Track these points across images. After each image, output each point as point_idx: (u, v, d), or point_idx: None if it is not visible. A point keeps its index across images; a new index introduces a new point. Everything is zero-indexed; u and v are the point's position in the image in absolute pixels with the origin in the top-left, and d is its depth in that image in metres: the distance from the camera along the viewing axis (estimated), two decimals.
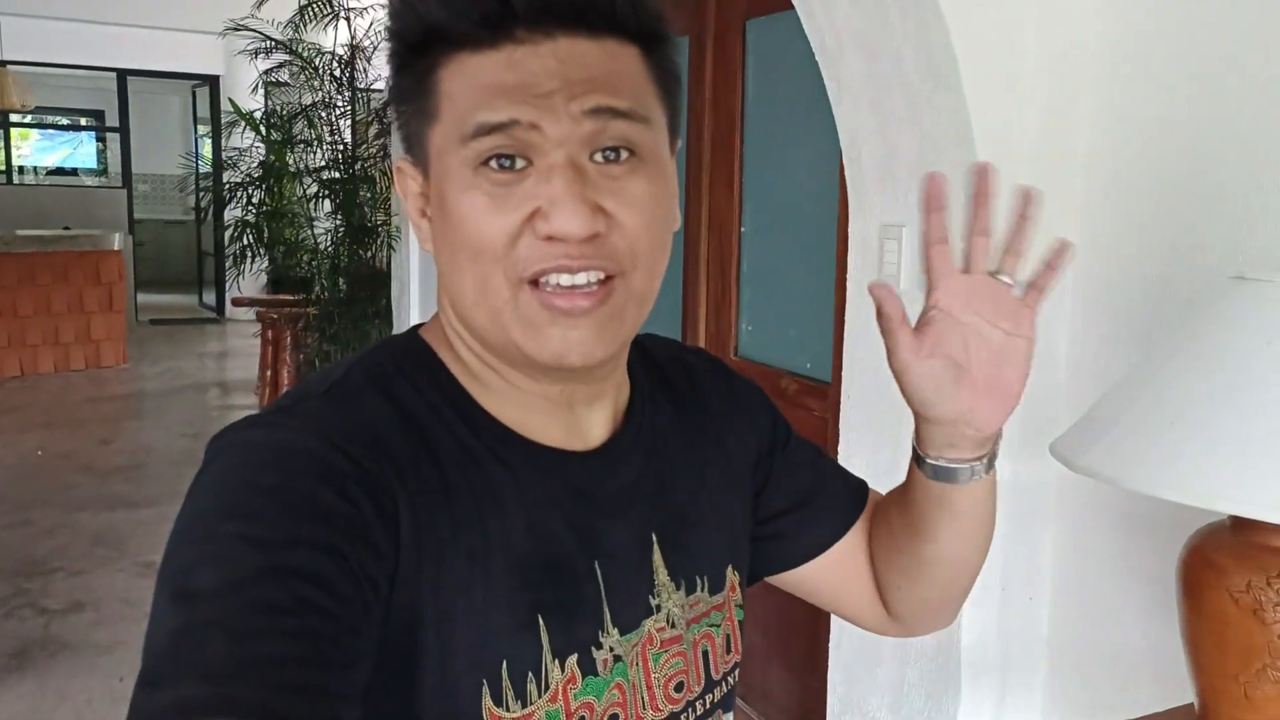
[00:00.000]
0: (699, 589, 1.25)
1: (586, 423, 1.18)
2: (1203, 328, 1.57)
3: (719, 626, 1.27)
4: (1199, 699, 1.66)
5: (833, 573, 1.41)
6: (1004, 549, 2.43)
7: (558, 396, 1.14)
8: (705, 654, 1.25)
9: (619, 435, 1.21)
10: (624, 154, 1.04)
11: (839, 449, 2.75)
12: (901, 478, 2.51)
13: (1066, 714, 2.46)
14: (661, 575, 1.21)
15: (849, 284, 2.69)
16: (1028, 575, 2.47)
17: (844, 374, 2.73)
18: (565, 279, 1.03)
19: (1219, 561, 1.58)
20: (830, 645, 2.84)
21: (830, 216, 3.10)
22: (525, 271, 1.03)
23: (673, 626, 1.21)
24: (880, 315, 1.15)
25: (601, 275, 1.04)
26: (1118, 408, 1.60)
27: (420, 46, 1.05)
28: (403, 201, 1.15)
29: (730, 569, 1.30)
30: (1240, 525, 1.58)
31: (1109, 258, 2.29)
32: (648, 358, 1.32)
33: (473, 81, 1.02)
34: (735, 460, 1.34)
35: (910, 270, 2.48)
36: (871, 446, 2.63)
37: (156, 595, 0.92)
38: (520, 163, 1.02)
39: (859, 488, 1.45)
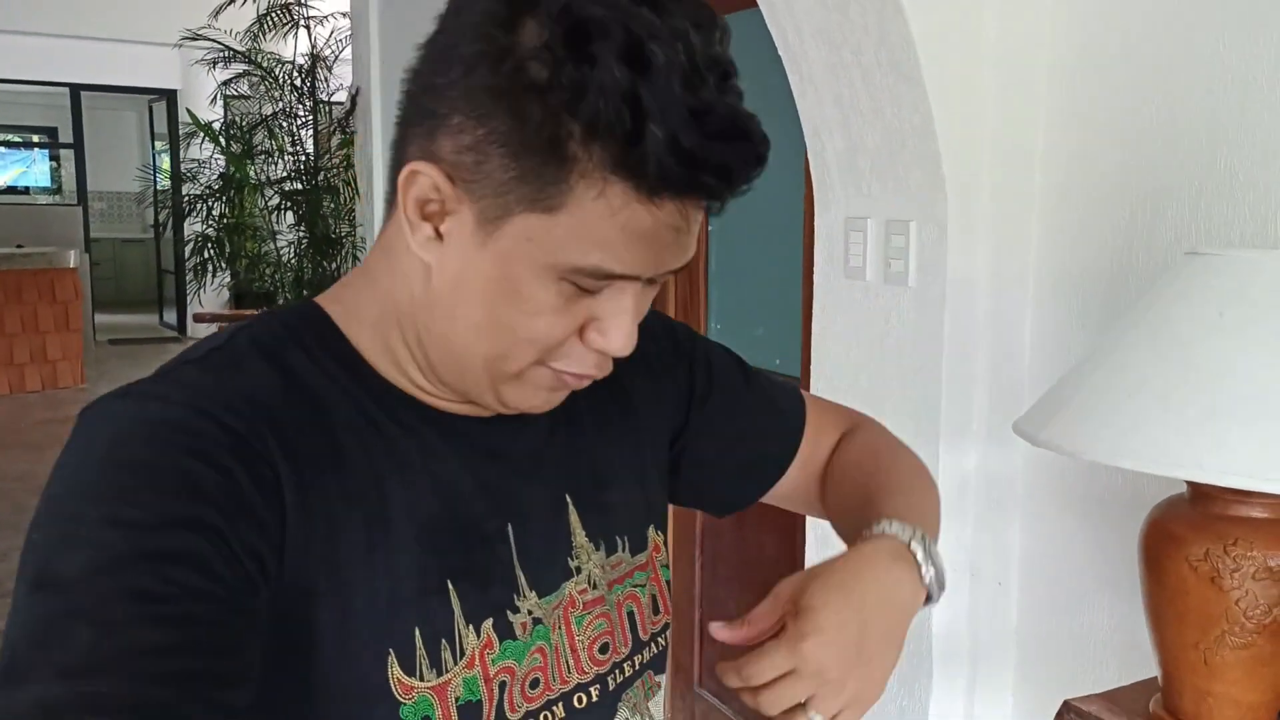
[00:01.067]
0: (620, 549, 1.25)
1: None
2: (1158, 301, 1.64)
3: (644, 587, 1.27)
4: (1162, 669, 1.73)
5: (776, 499, 1.45)
6: (973, 537, 2.50)
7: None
8: (631, 615, 1.25)
9: None
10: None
11: None
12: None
13: (1036, 694, 2.52)
14: (579, 536, 1.20)
15: (816, 277, 2.76)
16: (996, 562, 2.53)
17: (813, 367, 2.79)
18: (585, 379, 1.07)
19: (1178, 532, 1.64)
20: None
21: (796, 212, 3.16)
22: (555, 363, 1.04)
23: (594, 588, 1.20)
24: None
25: None
26: (1077, 383, 1.67)
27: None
28: (400, 195, 1.02)
29: (652, 529, 1.31)
30: (1198, 496, 1.65)
31: (1068, 242, 2.37)
32: None
33: (614, 216, 0.94)
34: (648, 418, 1.33)
35: (876, 261, 2.55)
36: None
37: (16, 585, 0.87)
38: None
39: (793, 430, 1.42)
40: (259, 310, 8.14)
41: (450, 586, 1.06)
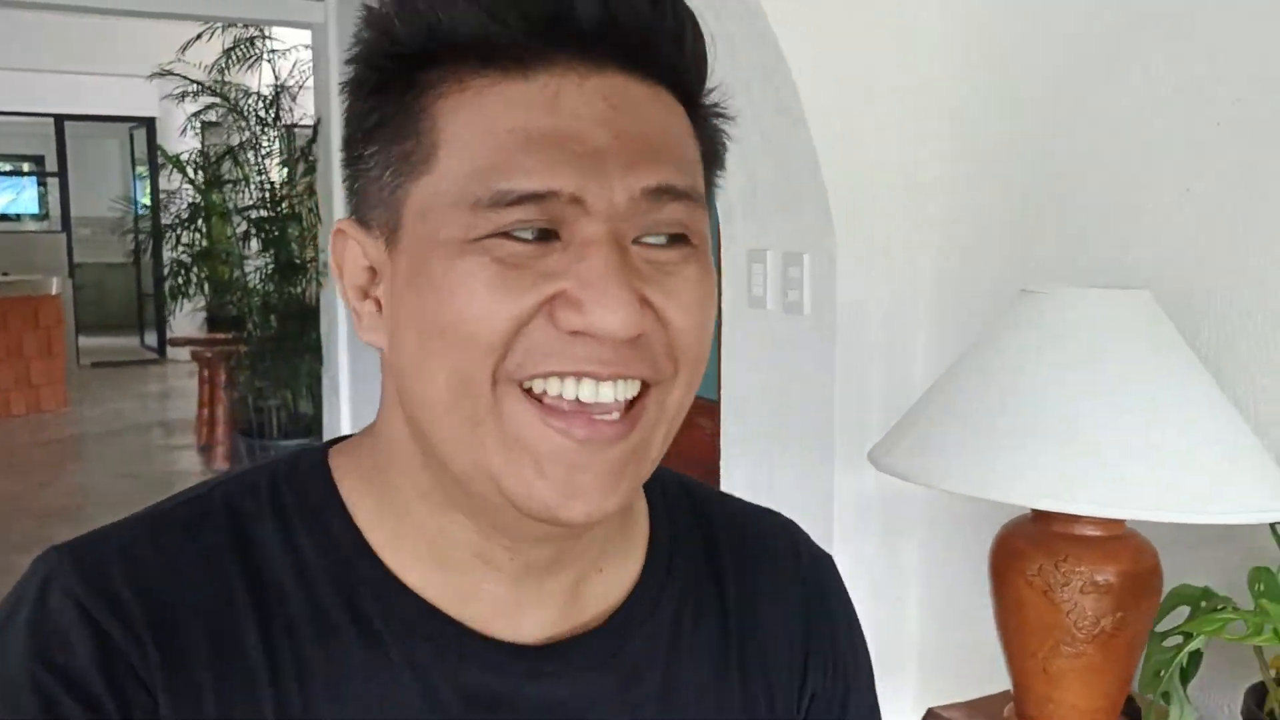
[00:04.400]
0: None
1: (534, 597, 0.87)
2: (991, 336, 1.72)
3: None
4: (1011, 678, 1.81)
5: None
6: (875, 556, 2.58)
7: (508, 564, 0.85)
8: None
9: (584, 637, 0.89)
10: (676, 239, 0.79)
11: (722, 464, 2.90)
12: (778, 496, 2.66)
13: (939, 698, 2.59)
14: None
15: (724, 307, 2.84)
16: (896, 579, 2.61)
17: (723, 392, 2.87)
18: (587, 392, 0.75)
19: (1018, 548, 1.72)
20: None
21: (711, 242, 3.25)
22: (526, 369, 0.75)
23: None
24: None
25: (637, 388, 0.78)
26: (919, 412, 1.76)
27: (413, 62, 0.77)
28: (335, 277, 0.86)
29: None
30: (1038, 516, 1.73)
31: (960, 274, 2.46)
32: (702, 519, 1.00)
33: (490, 123, 0.75)
34: (775, 663, 0.99)
35: (775, 291, 2.63)
36: (752, 461, 2.78)
37: None
38: (544, 231, 0.75)
39: None
40: (230, 335, 8.26)
41: None
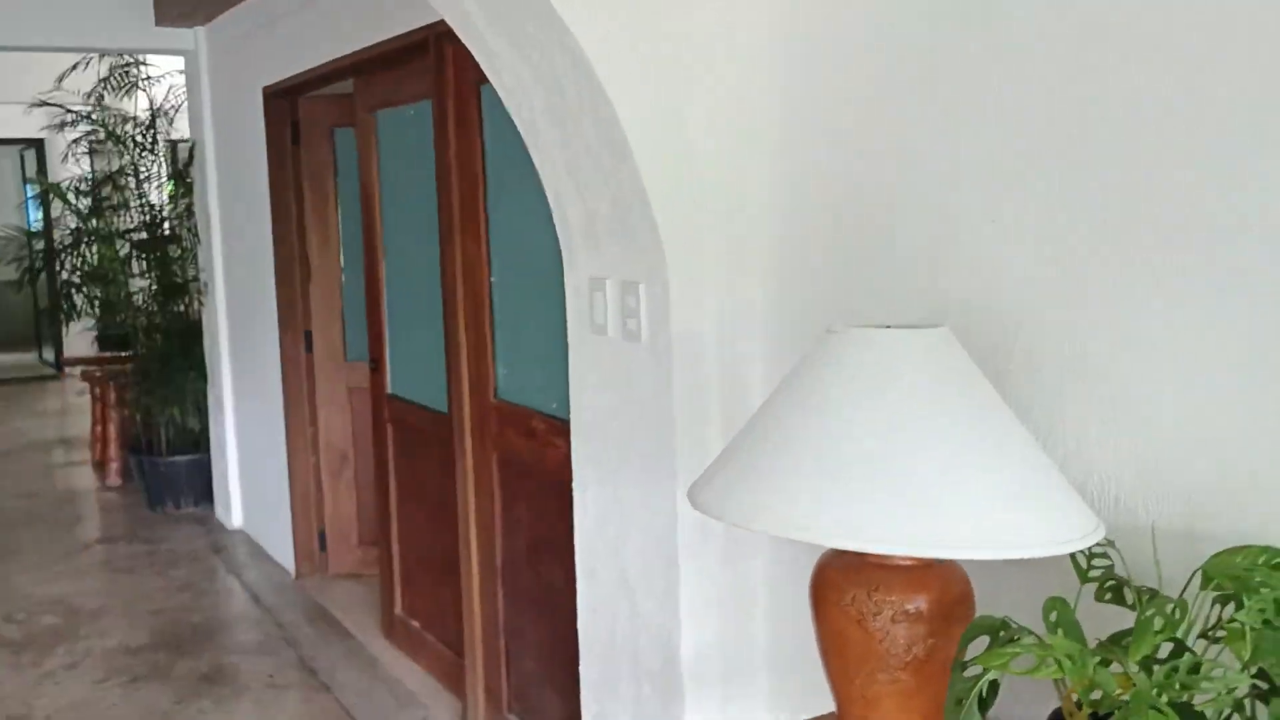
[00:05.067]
0: None
1: None
2: (796, 377, 1.70)
3: None
4: (835, 701, 1.79)
5: None
6: (720, 574, 2.55)
7: None
8: None
9: None
10: None
11: (574, 484, 2.86)
12: (625, 515, 2.63)
13: (790, 708, 2.58)
14: None
15: (570, 331, 2.80)
16: (743, 595, 2.59)
17: (572, 415, 2.84)
18: None
19: (832, 579, 1.70)
20: (581, 667, 2.94)
21: (560, 266, 3.22)
22: None
23: None
24: None
25: None
26: (730, 452, 1.73)
27: None
28: None
29: None
30: None
31: (788, 305, 2.44)
32: None
33: None
34: None
35: (615, 318, 2.59)
36: (598, 481, 2.74)
37: None
38: None
39: None
40: (117, 354, 8.10)
41: None
